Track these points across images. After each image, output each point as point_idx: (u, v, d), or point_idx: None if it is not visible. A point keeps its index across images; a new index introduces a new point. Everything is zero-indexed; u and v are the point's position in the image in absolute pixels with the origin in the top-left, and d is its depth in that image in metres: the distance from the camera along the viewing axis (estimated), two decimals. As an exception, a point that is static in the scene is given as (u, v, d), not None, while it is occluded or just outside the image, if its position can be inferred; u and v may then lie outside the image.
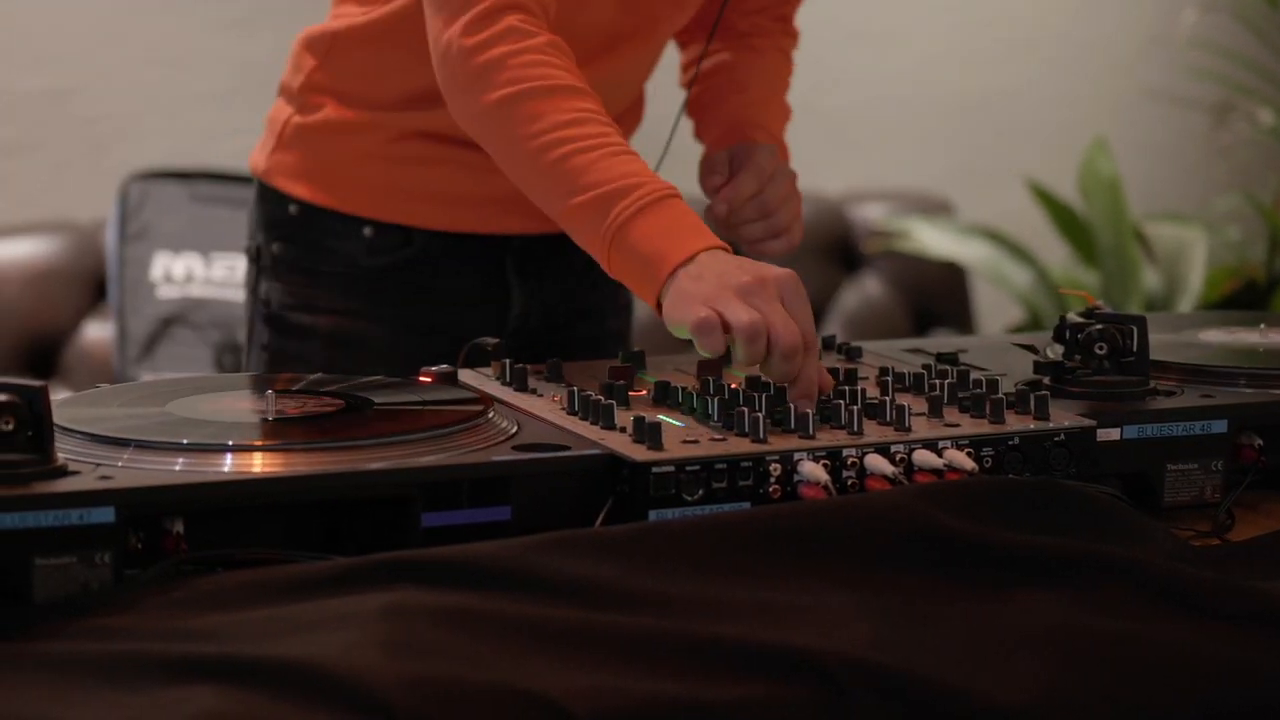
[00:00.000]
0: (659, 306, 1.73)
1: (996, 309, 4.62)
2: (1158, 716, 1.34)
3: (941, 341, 2.06)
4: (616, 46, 2.05)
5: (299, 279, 2.15)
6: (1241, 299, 4.24)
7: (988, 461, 1.60)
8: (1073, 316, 1.81)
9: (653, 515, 1.49)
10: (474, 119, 1.87)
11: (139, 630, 1.31)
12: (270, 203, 2.16)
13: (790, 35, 2.25)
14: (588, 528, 1.47)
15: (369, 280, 2.12)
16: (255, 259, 2.20)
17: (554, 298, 2.19)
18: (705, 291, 1.68)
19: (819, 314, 4.32)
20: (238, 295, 3.68)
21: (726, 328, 1.65)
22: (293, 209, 2.14)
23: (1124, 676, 1.35)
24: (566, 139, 1.78)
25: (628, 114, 2.17)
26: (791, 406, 1.60)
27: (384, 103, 2.06)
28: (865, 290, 4.39)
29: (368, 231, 2.11)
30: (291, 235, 2.14)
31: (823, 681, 1.28)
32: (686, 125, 2.18)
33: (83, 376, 3.78)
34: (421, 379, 1.77)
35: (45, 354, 3.85)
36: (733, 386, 1.70)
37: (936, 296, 4.44)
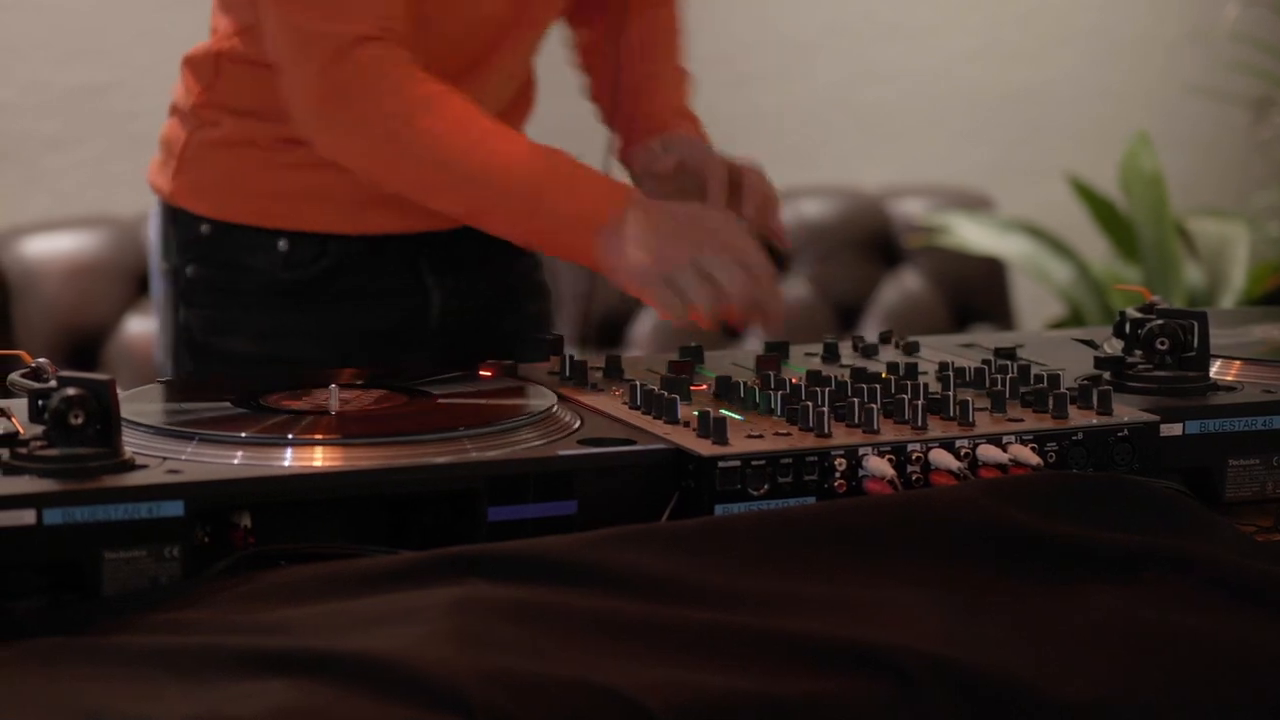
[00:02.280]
0: (597, 267, 1.83)
1: (1036, 304, 4.61)
2: (1226, 712, 1.34)
3: (996, 336, 2.06)
4: (505, 36, 2.05)
5: (218, 301, 2.11)
6: (1284, 295, 4.23)
7: (1051, 456, 1.60)
8: (1132, 312, 1.80)
9: (718, 510, 1.49)
10: (351, 150, 1.92)
11: (210, 623, 1.31)
12: (180, 224, 2.12)
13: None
14: (655, 522, 1.47)
15: (289, 294, 2.09)
16: (174, 283, 2.15)
17: (470, 291, 2.17)
18: (650, 256, 1.79)
19: (858, 309, 4.31)
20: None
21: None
22: (204, 229, 2.10)
23: (1192, 672, 1.35)
24: (453, 145, 1.87)
25: (520, 99, 2.17)
26: (855, 402, 1.59)
27: (278, 113, 2.00)
28: (905, 285, 4.38)
29: (282, 244, 2.08)
30: (205, 255, 2.10)
31: (895, 677, 1.28)
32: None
33: (125, 371, 3.78)
34: (482, 373, 1.77)
35: (87, 349, 3.86)
36: (793, 381, 1.70)
37: (976, 292, 4.43)
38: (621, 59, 2.16)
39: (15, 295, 3.82)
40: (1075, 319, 4.21)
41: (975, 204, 4.43)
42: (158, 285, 2.18)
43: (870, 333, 1.96)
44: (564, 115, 2.26)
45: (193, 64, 2.11)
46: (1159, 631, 1.37)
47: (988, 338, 2.00)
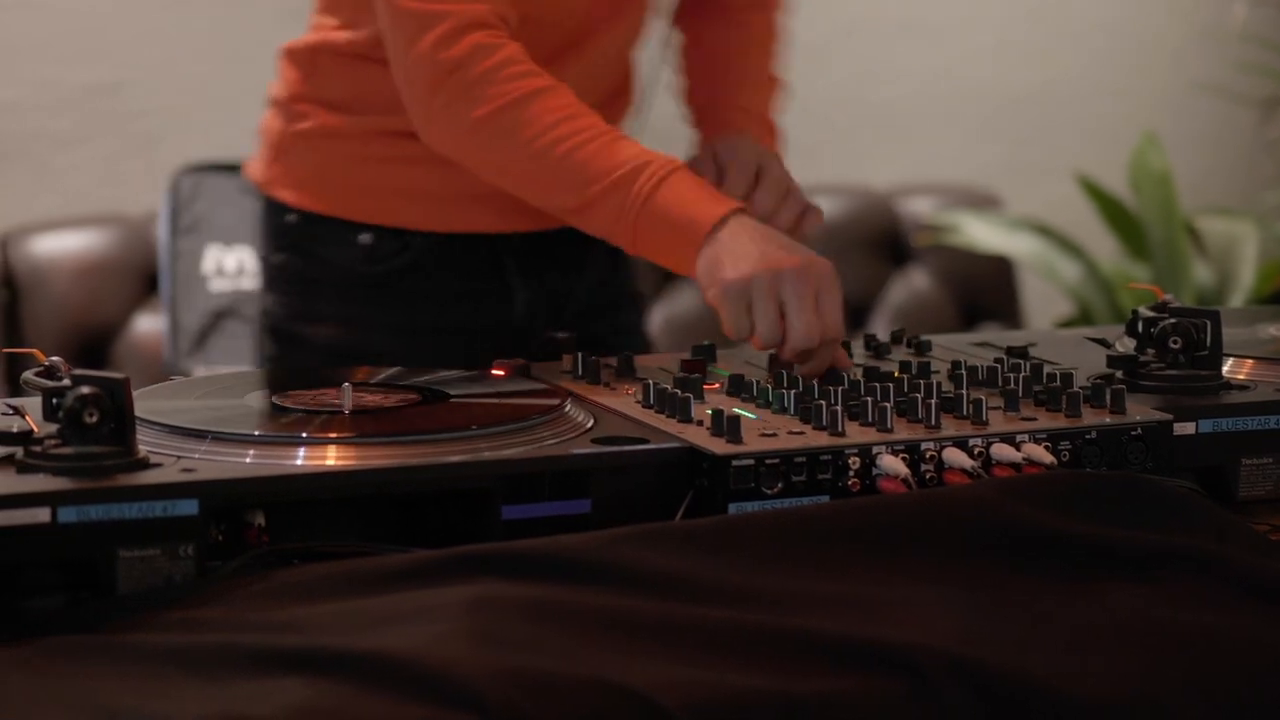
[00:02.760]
0: (693, 270, 1.82)
1: (1044, 303, 4.61)
2: (1242, 711, 1.34)
3: (1008, 335, 2.06)
4: (598, 25, 2.06)
5: (301, 290, 2.14)
6: (1292, 294, 4.22)
7: (1065, 455, 1.59)
8: (1145, 311, 1.80)
9: (732, 508, 1.49)
10: (458, 134, 1.91)
11: (225, 622, 1.31)
12: (271, 213, 2.16)
13: (777, 5, 2.26)
14: (669, 521, 1.47)
15: (368, 288, 2.11)
16: (262, 270, 2.20)
17: (560, 295, 2.18)
18: (747, 269, 1.78)
19: (867, 307, 4.31)
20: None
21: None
22: (291, 218, 2.13)
23: (1208, 671, 1.35)
24: (563, 137, 1.85)
25: (618, 95, 2.18)
26: (868, 401, 1.59)
27: (371, 106, 2.05)
28: (913, 284, 4.38)
29: (365, 238, 2.10)
30: (290, 245, 2.14)
31: (911, 675, 1.27)
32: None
33: (133, 370, 3.77)
34: (495, 372, 1.77)
35: (96, 347, 3.86)
36: (805, 380, 1.70)
37: (984, 290, 4.43)
38: (711, 61, 2.17)
39: (25, 293, 3.83)
40: (1084, 318, 4.21)
41: (984, 203, 4.43)
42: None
43: (878, 331, 1.96)
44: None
45: (292, 55, 2.13)
46: (1174, 630, 1.37)
47: (999, 336, 2.00)
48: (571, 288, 2.18)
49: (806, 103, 4.56)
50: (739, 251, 1.79)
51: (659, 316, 4.10)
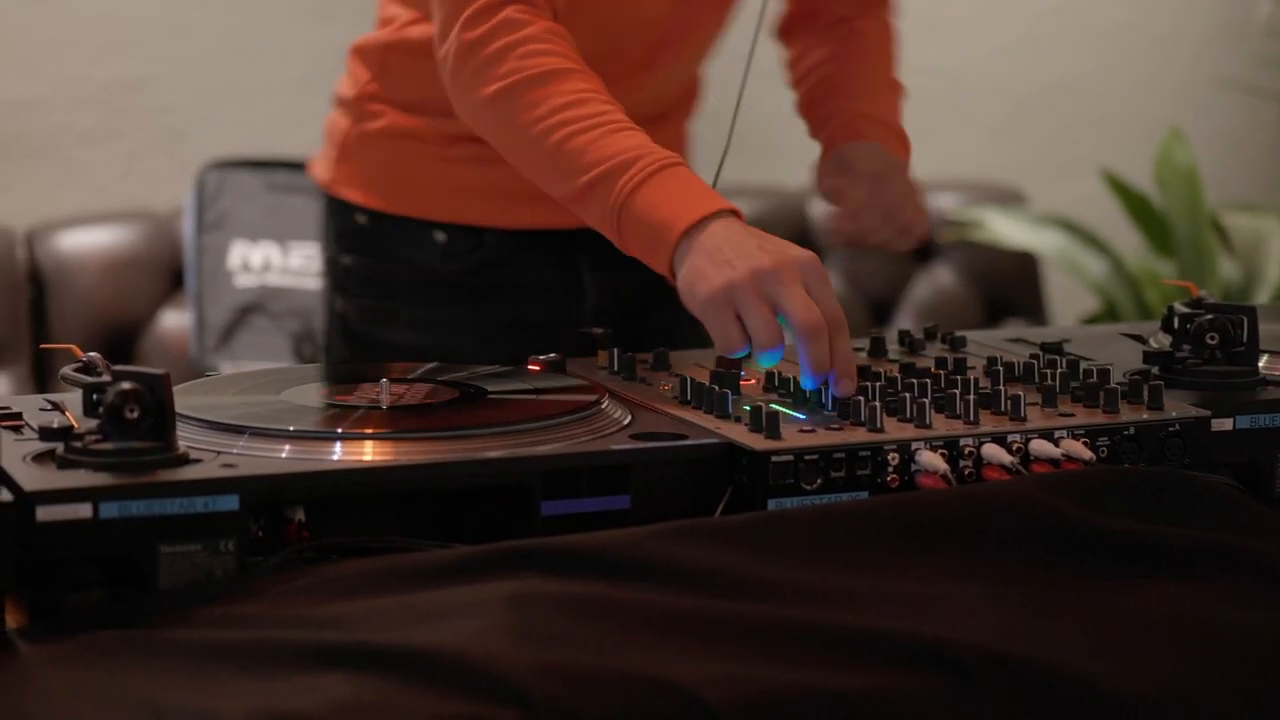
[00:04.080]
0: (674, 276, 1.72)
1: (1069, 299, 4.60)
2: (1281, 708, 1.34)
3: (1041, 331, 2.05)
4: (669, 39, 2.05)
5: (374, 291, 2.14)
6: (1317, 291, 4.21)
7: (1103, 451, 1.59)
8: (1181, 307, 1.80)
9: (771, 504, 1.49)
10: (475, 114, 1.88)
11: (267, 618, 1.31)
12: (338, 214, 2.15)
13: (888, 7, 2.23)
14: (709, 516, 1.47)
15: (445, 287, 2.11)
16: (331, 272, 2.19)
17: (629, 289, 2.17)
18: (724, 277, 1.65)
19: (891, 304, 4.31)
20: (315, 284, 3.69)
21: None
22: (361, 219, 2.13)
23: (1249, 667, 1.35)
24: (565, 122, 1.78)
25: (684, 99, 2.17)
26: (906, 397, 1.59)
27: (443, 106, 2.00)
28: (937, 280, 4.37)
29: (440, 237, 2.10)
30: (362, 246, 2.13)
31: (953, 671, 1.27)
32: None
33: (159, 365, 3.76)
34: (531, 367, 1.77)
35: (122, 342, 3.87)
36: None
37: (1009, 286, 4.42)
38: (830, 71, 2.14)
39: (51, 289, 3.84)
40: (1109, 314, 4.20)
41: (1008, 199, 4.43)
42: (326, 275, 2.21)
43: (902, 329, 1.95)
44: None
45: (362, 54, 2.13)
46: (1213, 627, 1.37)
47: (1031, 332, 2.00)
48: (632, 279, 2.16)
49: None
50: (718, 258, 1.67)
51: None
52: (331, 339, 2.19)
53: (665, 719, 1.20)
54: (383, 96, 2.09)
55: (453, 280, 2.11)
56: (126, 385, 1.40)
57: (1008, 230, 4.23)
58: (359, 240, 2.13)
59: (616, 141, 1.76)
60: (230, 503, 1.37)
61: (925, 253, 4.39)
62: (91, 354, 1.53)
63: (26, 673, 1.27)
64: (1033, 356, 1.81)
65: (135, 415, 1.40)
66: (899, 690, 1.26)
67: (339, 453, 1.46)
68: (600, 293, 2.15)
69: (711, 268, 1.67)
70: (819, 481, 1.50)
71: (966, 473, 1.55)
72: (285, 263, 3.89)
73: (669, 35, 2.05)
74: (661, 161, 1.74)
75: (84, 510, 1.33)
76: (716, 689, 1.22)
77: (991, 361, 1.78)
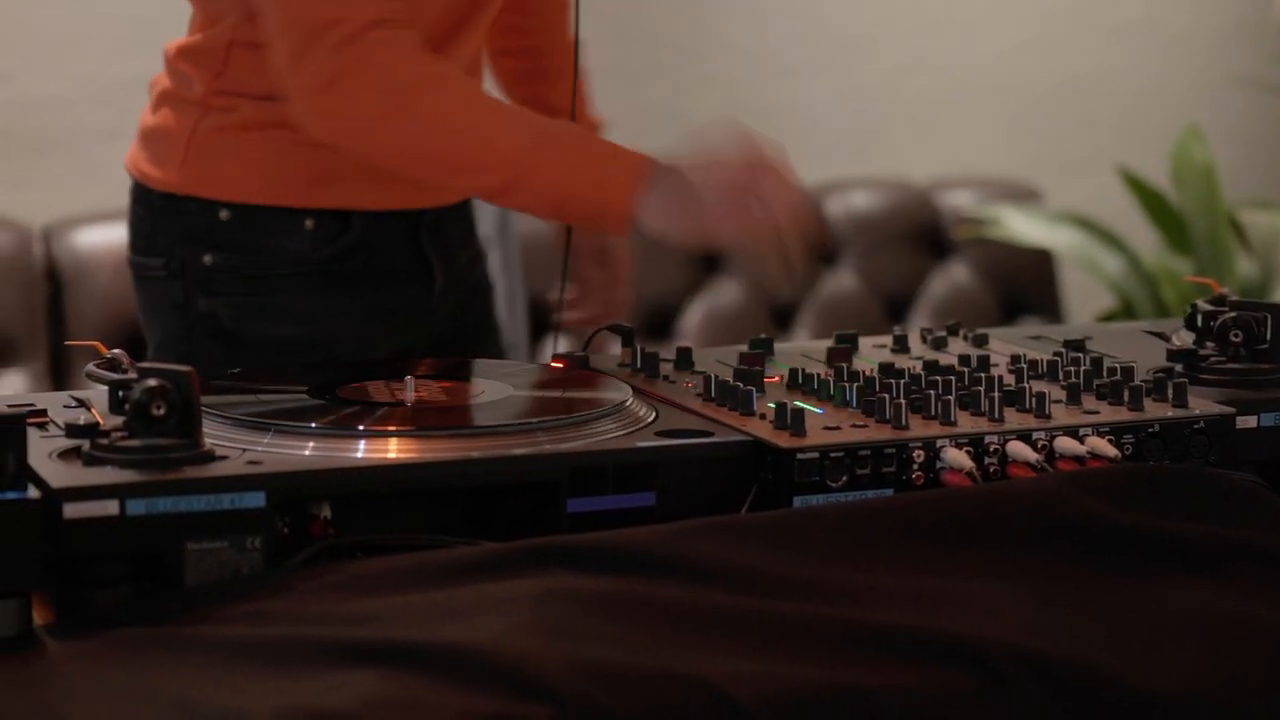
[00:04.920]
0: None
1: (1085, 297, 4.59)
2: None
3: (1062, 329, 2.05)
4: (475, 11, 2.06)
5: (246, 285, 2.08)
6: (1335, 288, 4.21)
7: (1128, 448, 1.59)
8: (1204, 304, 1.80)
9: (797, 501, 1.49)
10: (374, 124, 1.89)
11: (294, 614, 1.31)
12: (191, 214, 2.07)
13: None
14: (735, 513, 1.47)
15: (318, 275, 2.07)
16: (179, 274, 2.10)
17: (460, 270, 2.18)
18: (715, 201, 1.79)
19: (907, 301, 4.30)
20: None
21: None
22: (224, 214, 2.06)
23: (1274, 665, 1.34)
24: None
25: (473, 77, 2.16)
26: (931, 394, 1.59)
27: None
28: (953, 278, 4.36)
29: (309, 223, 2.06)
30: (227, 241, 2.06)
31: (982, 668, 1.27)
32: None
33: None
34: (554, 364, 1.77)
35: (138, 340, 3.85)
36: (867, 373, 1.69)
37: (1025, 284, 4.42)
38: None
39: (67, 286, 3.83)
40: (1126, 312, 4.19)
41: (1024, 196, 4.42)
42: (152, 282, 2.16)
43: (917, 325, 1.95)
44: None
45: (190, 55, 2.09)
46: (1239, 624, 1.37)
47: (1051, 330, 2.00)
48: (467, 263, 2.19)
49: (845, 95, 4.57)
50: (681, 187, 1.80)
51: (698, 311, 4.09)
52: (196, 341, 2.11)
53: (696, 717, 1.20)
54: (233, 91, 2.05)
55: (323, 266, 2.07)
56: (153, 382, 1.40)
57: (1024, 228, 4.22)
58: (223, 236, 2.06)
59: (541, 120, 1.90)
60: (256, 499, 1.37)
61: (941, 250, 4.38)
62: (116, 350, 1.53)
63: (53, 669, 1.27)
64: (1056, 354, 1.80)
65: (162, 412, 1.40)
66: (929, 688, 1.26)
67: (365, 450, 1.46)
68: (445, 274, 2.14)
69: (681, 204, 1.80)
70: (844, 479, 1.50)
71: (992, 470, 1.55)
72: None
73: (474, 8, 2.06)
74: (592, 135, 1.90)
75: (111, 507, 1.33)
76: (746, 687, 1.22)
77: (1015, 359, 1.78)
